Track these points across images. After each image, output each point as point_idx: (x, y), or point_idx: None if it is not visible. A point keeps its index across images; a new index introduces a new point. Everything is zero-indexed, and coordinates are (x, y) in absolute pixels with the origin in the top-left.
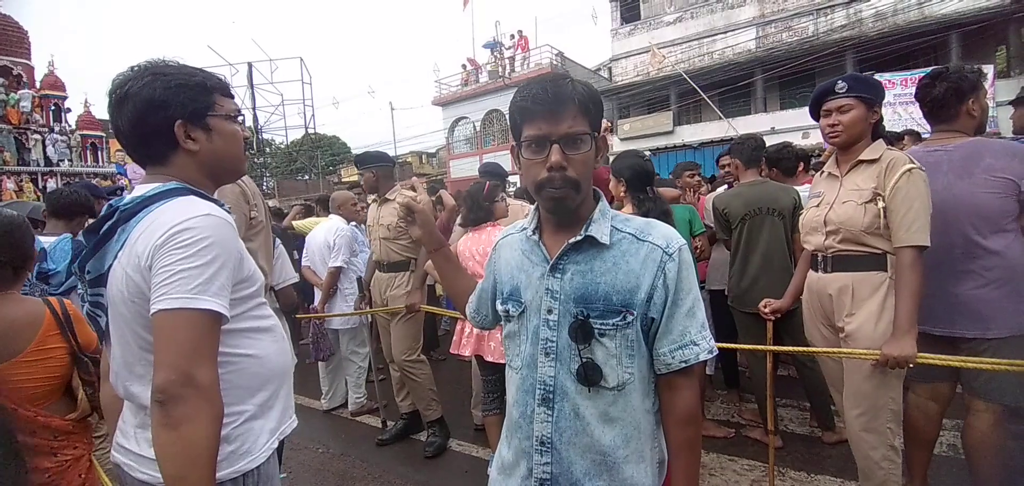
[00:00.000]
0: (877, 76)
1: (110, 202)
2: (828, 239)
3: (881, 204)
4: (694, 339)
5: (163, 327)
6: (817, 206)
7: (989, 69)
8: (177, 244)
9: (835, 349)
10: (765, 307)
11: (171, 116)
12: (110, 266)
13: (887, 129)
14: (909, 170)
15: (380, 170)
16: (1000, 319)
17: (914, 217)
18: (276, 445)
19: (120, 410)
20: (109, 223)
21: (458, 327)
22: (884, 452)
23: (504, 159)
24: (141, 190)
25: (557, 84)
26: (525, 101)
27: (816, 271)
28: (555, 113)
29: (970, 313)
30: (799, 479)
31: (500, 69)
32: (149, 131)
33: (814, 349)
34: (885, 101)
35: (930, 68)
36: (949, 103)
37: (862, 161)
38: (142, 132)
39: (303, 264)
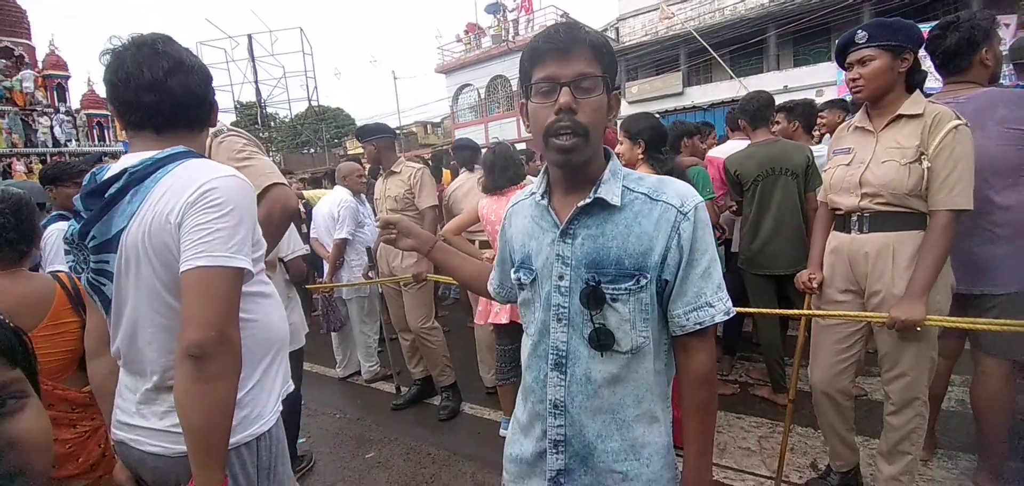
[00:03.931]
0: None
1: (93, 171)
2: (864, 200)
3: (926, 164)
4: (710, 300)
5: (200, 283)
6: (848, 164)
7: (1011, 18)
8: (210, 202)
9: (854, 313)
10: (811, 280)
11: (214, 95)
12: (121, 229)
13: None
14: (956, 127)
15: (381, 142)
16: (1008, 275)
17: (957, 178)
18: (280, 408)
19: (114, 388)
20: (116, 186)
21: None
22: (919, 408)
23: (510, 127)
24: (147, 154)
25: (570, 27)
26: (537, 43)
27: (848, 232)
28: (566, 53)
29: (978, 269)
30: (806, 433)
31: (504, 32)
32: (199, 101)
33: (843, 313)
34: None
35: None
36: (962, 53)
37: (902, 116)
38: (192, 101)
39: (311, 236)
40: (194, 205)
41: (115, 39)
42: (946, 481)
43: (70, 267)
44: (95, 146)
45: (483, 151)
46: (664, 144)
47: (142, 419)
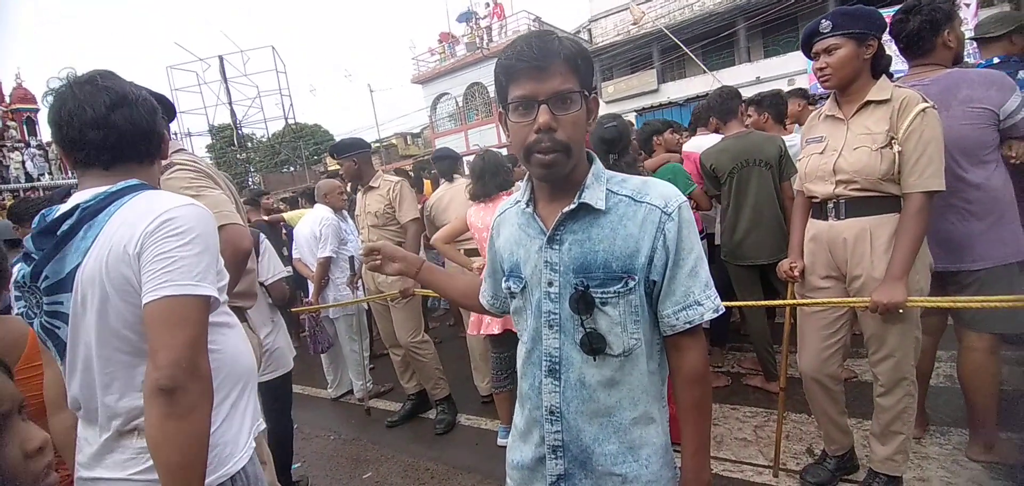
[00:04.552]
0: None
1: (42, 211)
2: (838, 187)
3: (897, 148)
4: (698, 299)
5: (167, 314)
6: (821, 153)
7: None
8: (172, 231)
9: (837, 299)
10: (792, 269)
11: (162, 127)
12: (76, 266)
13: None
14: (924, 110)
15: (361, 157)
16: (984, 250)
17: (928, 160)
18: (254, 445)
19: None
20: (69, 222)
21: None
22: (907, 387)
23: (489, 134)
24: (99, 189)
25: (543, 40)
26: (510, 59)
27: (825, 219)
28: (542, 70)
29: (954, 247)
30: (800, 420)
31: (478, 39)
32: (145, 134)
33: (827, 300)
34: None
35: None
36: (924, 36)
37: (870, 102)
38: (138, 134)
39: (294, 257)
40: (154, 234)
41: (55, 80)
42: (940, 457)
43: (21, 313)
44: (68, 178)
45: (466, 159)
46: (611, 149)
47: (104, 470)
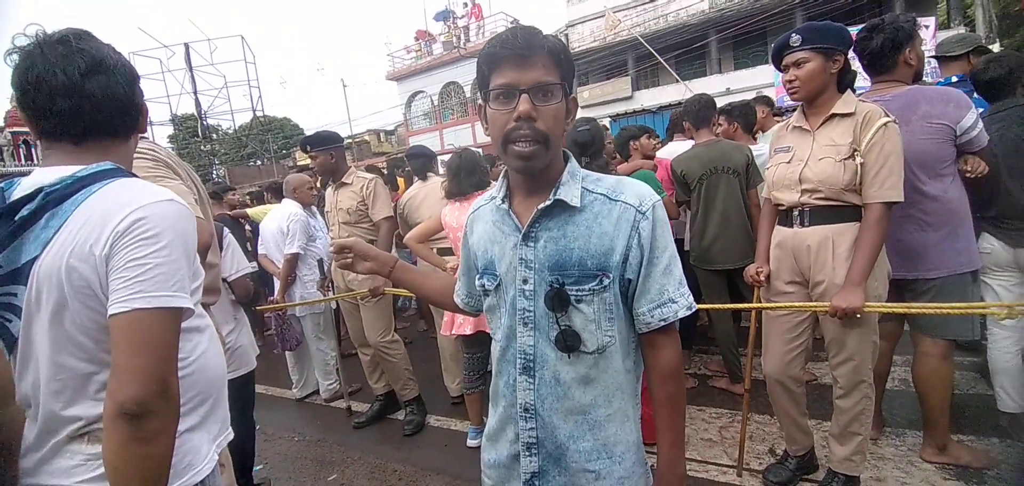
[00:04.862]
0: None
1: (1, 186)
2: (804, 196)
3: (859, 160)
4: (673, 297)
5: (137, 328)
6: (788, 163)
7: (930, 20)
8: (144, 233)
9: (800, 304)
10: (759, 274)
11: (141, 98)
12: (34, 258)
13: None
14: (885, 124)
15: (338, 152)
16: (939, 260)
17: (888, 172)
18: (217, 457)
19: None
20: (29, 207)
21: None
22: (865, 390)
23: (465, 134)
24: (67, 170)
25: (528, 32)
26: (494, 47)
27: (790, 226)
28: (525, 59)
29: (912, 256)
30: (763, 421)
31: (455, 38)
32: (123, 105)
33: (793, 304)
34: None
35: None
36: (887, 54)
37: (835, 115)
38: (115, 106)
39: (260, 252)
40: (125, 236)
41: (21, 37)
42: (895, 458)
43: None
44: (21, 165)
45: (441, 158)
46: (586, 153)
47: (48, 477)
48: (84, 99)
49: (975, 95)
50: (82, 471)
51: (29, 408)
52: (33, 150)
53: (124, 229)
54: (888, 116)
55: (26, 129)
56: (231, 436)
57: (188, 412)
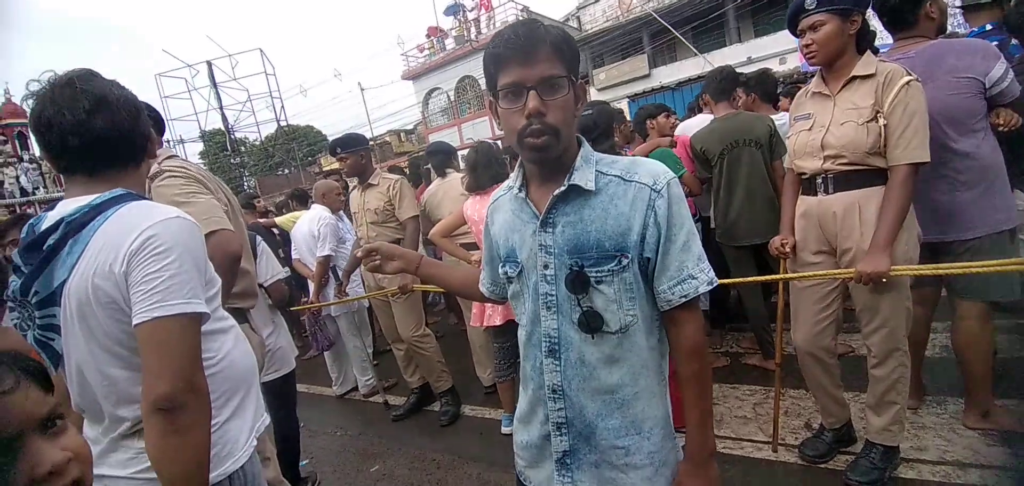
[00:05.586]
0: None
1: (30, 222)
2: (827, 163)
3: (882, 121)
4: (692, 272)
5: (159, 334)
6: (809, 130)
7: None
8: (155, 250)
9: (826, 271)
10: (784, 245)
11: (146, 127)
12: (63, 281)
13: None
14: (908, 83)
15: (367, 152)
16: (975, 219)
17: (913, 132)
18: (255, 443)
19: None
20: (54, 237)
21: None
22: (900, 358)
23: (483, 127)
24: (83, 200)
25: (529, 27)
26: (497, 48)
27: (815, 195)
28: (529, 56)
29: (946, 217)
30: (799, 396)
31: (466, 32)
32: (127, 137)
33: (815, 273)
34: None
35: None
36: (907, 9)
37: (856, 77)
38: (120, 139)
39: (293, 257)
40: (139, 254)
41: (35, 83)
42: (936, 426)
43: (15, 325)
44: (61, 191)
45: (459, 153)
46: (589, 136)
47: (108, 468)
48: (91, 136)
49: (1014, 42)
50: (135, 463)
51: (83, 412)
52: (28, 142)
53: (138, 247)
54: (910, 74)
55: (21, 121)
56: (267, 421)
57: (221, 406)
